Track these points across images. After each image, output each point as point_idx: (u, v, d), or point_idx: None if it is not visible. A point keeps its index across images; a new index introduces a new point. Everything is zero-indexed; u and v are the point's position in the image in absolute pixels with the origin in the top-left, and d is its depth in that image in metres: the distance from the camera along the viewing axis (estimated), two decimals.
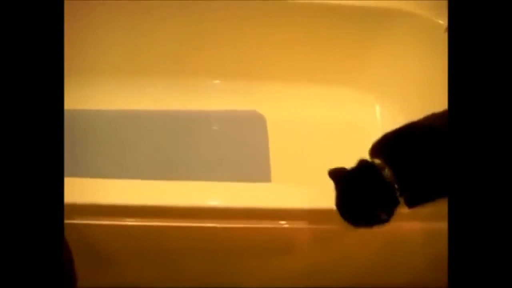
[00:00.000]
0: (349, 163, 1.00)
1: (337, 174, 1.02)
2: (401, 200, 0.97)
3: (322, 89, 1.74)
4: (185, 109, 1.71)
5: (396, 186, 0.96)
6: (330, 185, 1.01)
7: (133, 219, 1.10)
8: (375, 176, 0.97)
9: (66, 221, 0.94)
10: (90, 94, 1.66)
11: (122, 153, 1.59)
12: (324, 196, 1.02)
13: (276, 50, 1.69)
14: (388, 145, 1.02)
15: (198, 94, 1.74)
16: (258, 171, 1.55)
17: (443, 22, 1.47)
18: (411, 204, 0.98)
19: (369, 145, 1.02)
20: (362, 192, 0.98)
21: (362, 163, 1.00)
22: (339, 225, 1.01)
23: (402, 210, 0.98)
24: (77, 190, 1.05)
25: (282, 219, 1.13)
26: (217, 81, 1.76)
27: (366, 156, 1.01)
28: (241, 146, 1.64)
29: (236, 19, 1.61)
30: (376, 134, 1.04)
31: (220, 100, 1.73)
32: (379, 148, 1.02)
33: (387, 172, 0.96)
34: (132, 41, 1.65)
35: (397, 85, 1.68)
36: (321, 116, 1.72)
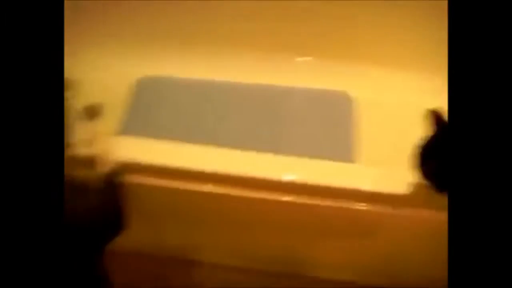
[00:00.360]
0: None
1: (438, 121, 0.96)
2: None
3: (414, 75, 1.65)
4: (272, 83, 1.69)
5: None
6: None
7: (208, 185, 1.11)
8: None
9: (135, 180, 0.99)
10: (180, 61, 1.71)
11: (203, 121, 1.61)
12: (405, 181, 0.99)
13: (370, 32, 1.63)
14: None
15: (287, 70, 1.72)
16: (340, 151, 1.51)
17: None
18: None
19: None
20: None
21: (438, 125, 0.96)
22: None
23: None
24: (150, 151, 1.10)
25: (362, 201, 1.09)
26: (309, 58, 1.72)
27: None
28: (326, 125, 1.60)
29: None
30: None
31: (309, 78, 1.69)
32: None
33: None
34: (224, 12, 1.66)
35: None
36: (409, 102, 1.64)
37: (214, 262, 1.49)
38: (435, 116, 0.97)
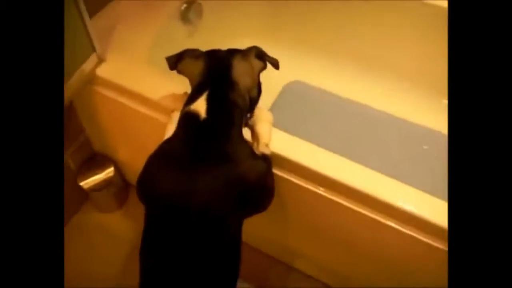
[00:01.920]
0: None
1: None
2: None
3: None
4: (400, 116, 1.74)
5: None
6: None
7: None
8: None
9: None
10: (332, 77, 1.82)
11: (334, 137, 1.70)
12: None
13: None
14: None
15: (425, 111, 1.75)
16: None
17: None
18: None
19: None
20: None
21: None
22: None
23: None
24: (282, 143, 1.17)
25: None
26: (445, 101, 1.74)
27: None
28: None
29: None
30: None
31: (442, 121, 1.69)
32: None
33: None
34: (373, 35, 1.75)
35: None
36: None
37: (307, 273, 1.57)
38: None
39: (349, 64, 1.82)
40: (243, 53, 1.11)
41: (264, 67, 1.13)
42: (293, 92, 1.83)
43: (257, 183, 1.04)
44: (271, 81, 1.72)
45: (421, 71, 1.74)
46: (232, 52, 1.11)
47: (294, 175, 1.19)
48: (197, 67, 1.08)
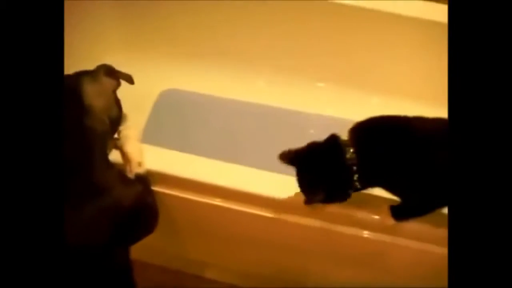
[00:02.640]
0: None
1: (294, 155, 1.00)
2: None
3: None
4: (285, 107, 1.75)
5: (355, 168, 0.95)
6: None
7: (216, 199, 1.16)
8: (336, 154, 0.96)
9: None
10: (205, 78, 1.78)
11: (217, 137, 1.68)
12: None
13: (386, 63, 1.67)
14: (364, 129, 1.00)
15: (302, 95, 1.77)
16: None
17: None
18: (362, 183, 0.97)
19: None
20: (318, 166, 0.98)
21: (330, 138, 0.99)
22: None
23: None
24: (163, 160, 1.14)
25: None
26: (322, 84, 1.78)
27: None
28: None
29: (348, 24, 1.62)
30: None
31: (322, 104, 1.74)
32: (356, 128, 1.00)
33: (351, 153, 0.95)
34: (243, 32, 1.74)
35: None
36: None
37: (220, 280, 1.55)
38: (285, 158, 1.01)
39: (223, 64, 1.80)
40: (92, 74, 1.06)
41: (118, 84, 1.09)
42: (168, 102, 1.78)
43: (134, 207, 1.00)
44: (144, 92, 1.67)
45: (296, 61, 1.75)
46: (79, 75, 1.05)
47: (177, 189, 1.16)
48: None
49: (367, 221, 1.09)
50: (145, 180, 1.08)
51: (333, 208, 1.07)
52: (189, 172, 1.13)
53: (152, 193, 1.09)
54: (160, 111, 1.74)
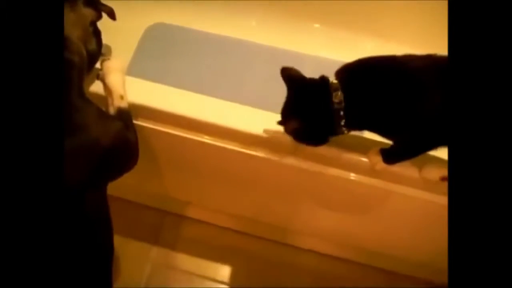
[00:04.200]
0: None
1: (292, 78, 0.99)
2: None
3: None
4: (278, 46, 1.70)
5: (342, 113, 0.93)
6: None
7: (204, 136, 1.12)
8: (323, 97, 0.94)
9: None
10: (198, 16, 1.72)
11: (205, 73, 1.63)
12: None
13: (384, 8, 1.63)
14: (352, 70, 0.97)
15: (296, 35, 1.72)
16: None
17: None
18: (349, 127, 0.96)
19: None
20: (304, 102, 0.97)
21: (320, 79, 0.97)
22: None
23: None
24: (144, 92, 1.10)
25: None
26: (317, 25, 1.73)
27: None
28: None
29: None
30: None
31: (317, 46, 1.70)
32: (343, 70, 0.98)
33: (339, 95, 0.93)
34: None
35: None
36: None
37: (203, 220, 1.54)
38: (285, 74, 1.00)
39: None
40: (71, 3, 0.99)
41: (99, 17, 1.04)
42: (156, 36, 1.71)
43: (114, 144, 0.95)
44: (130, 26, 1.61)
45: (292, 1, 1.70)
46: None
47: (161, 124, 1.12)
48: None
49: (356, 164, 1.07)
50: (126, 114, 1.04)
51: (322, 150, 1.04)
52: (173, 106, 1.09)
53: (133, 128, 1.04)
54: (146, 46, 1.68)
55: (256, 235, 1.52)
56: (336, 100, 0.93)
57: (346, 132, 0.97)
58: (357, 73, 0.96)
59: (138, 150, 1.04)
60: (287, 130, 0.99)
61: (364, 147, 1.04)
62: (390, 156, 0.99)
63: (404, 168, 1.03)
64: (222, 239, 1.53)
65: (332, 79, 0.97)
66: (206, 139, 1.12)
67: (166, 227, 1.55)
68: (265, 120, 1.08)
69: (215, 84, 1.60)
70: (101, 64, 1.08)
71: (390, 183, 1.09)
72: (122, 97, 1.04)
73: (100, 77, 1.07)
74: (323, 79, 0.97)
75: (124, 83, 1.07)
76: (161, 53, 1.67)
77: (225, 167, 1.21)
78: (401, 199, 1.12)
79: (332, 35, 1.71)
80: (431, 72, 0.89)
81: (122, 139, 0.99)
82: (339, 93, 0.93)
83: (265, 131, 1.06)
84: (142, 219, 1.55)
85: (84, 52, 0.99)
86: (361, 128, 0.99)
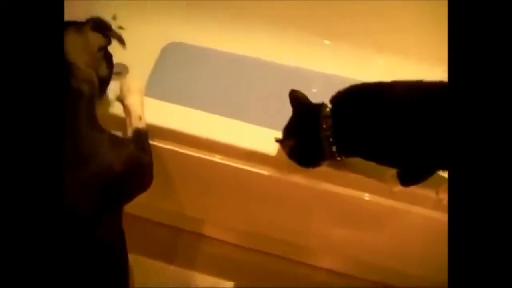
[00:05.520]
0: None
1: (297, 100, 1.03)
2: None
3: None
4: (289, 64, 1.72)
5: (331, 139, 0.95)
6: None
7: (216, 156, 1.14)
8: (315, 120, 0.97)
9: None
10: (213, 34, 1.75)
11: (220, 92, 1.66)
12: None
13: (393, 23, 1.63)
14: (342, 99, 0.99)
15: (306, 51, 1.73)
16: None
17: None
18: (340, 153, 0.98)
19: None
20: (300, 128, 1.00)
21: (318, 104, 1.00)
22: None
23: None
24: (160, 113, 1.12)
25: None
26: (328, 42, 1.74)
27: None
28: None
29: None
30: None
31: (326, 62, 1.71)
32: (335, 97, 0.99)
33: (328, 121, 0.96)
34: None
35: None
36: None
37: (218, 238, 1.55)
38: (292, 96, 1.03)
39: (231, 18, 1.75)
40: (77, 27, 0.98)
41: (108, 42, 1.02)
42: (173, 55, 1.73)
43: (127, 168, 0.95)
44: (147, 44, 1.65)
45: (303, 18, 1.71)
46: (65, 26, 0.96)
47: (176, 144, 1.14)
48: None
49: (371, 184, 1.08)
50: (143, 135, 1.05)
51: (334, 170, 1.06)
52: (189, 126, 1.11)
53: (148, 149, 1.05)
54: (163, 65, 1.70)
55: (271, 253, 1.53)
56: (324, 126, 0.96)
57: (339, 158, 0.99)
58: (347, 101, 0.98)
59: (152, 172, 1.05)
60: (283, 148, 1.03)
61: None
62: (406, 179, 1.00)
63: (419, 189, 1.04)
64: (237, 256, 1.54)
65: None
66: (218, 158, 1.14)
67: (182, 245, 1.56)
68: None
69: (230, 102, 1.62)
70: (120, 85, 1.10)
71: (406, 203, 1.09)
72: (140, 118, 1.06)
73: (119, 98, 1.09)
74: (320, 106, 1.00)
75: (143, 104, 1.09)
76: (177, 71, 1.70)
77: (238, 186, 1.23)
78: (417, 219, 1.12)
79: (343, 51, 1.71)
80: (417, 96, 0.91)
81: (135, 163, 0.99)
82: (329, 120, 0.96)
83: (279, 150, 1.08)
84: (158, 236, 1.55)
85: (95, 79, 0.98)
86: (354, 155, 1.01)
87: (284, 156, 1.05)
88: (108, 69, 1.04)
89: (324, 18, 1.68)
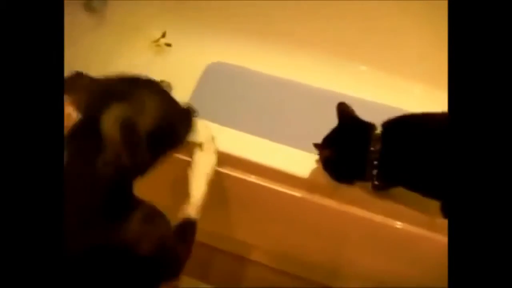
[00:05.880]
0: None
1: (344, 113, 1.02)
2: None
3: None
4: (326, 87, 1.74)
5: (375, 163, 0.94)
6: None
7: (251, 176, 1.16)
8: (364, 139, 0.96)
9: None
10: (254, 55, 1.79)
11: (260, 113, 1.69)
12: None
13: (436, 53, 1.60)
14: (392, 126, 0.98)
15: (343, 76, 1.75)
16: None
17: None
18: (380, 179, 0.97)
19: None
20: (343, 141, 1.00)
21: (368, 124, 0.99)
22: None
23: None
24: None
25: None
26: (364, 68, 1.76)
27: None
28: None
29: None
30: None
31: (362, 88, 1.72)
32: (388, 122, 0.99)
33: (378, 145, 0.95)
34: (293, 13, 1.73)
35: None
36: None
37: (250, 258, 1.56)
38: (340, 108, 1.02)
39: (273, 41, 1.79)
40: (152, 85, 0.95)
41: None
42: (216, 74, 1.77)
43: (154, 252, 0.86)
44: (191, 64, 1.69)
45: (339, 42, 1.75)
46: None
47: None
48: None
49: (405, 213, 1.08)
50: (191, 227, 0.98)
51: (373, 198, 1.07)
52: (225, 145, 1.12)
53: (190, 242, 0.98)
54: (205, 83, 1.74)
55: (303, 277, 1.52)
56: (373, 148, 0.96)
57: (376, 183, 0.99)
58: (399, 129, 0.99)
59: (182, 265, 0.96)
60: (320, 156, 1.03)
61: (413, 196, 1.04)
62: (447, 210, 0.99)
63: None
64: (268, 278, 1.54)
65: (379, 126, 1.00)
66: (253, 178, 1.15)
67: (214, 263, 1.56)
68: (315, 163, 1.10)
69: (267, 123, 1.65)
70: (193, 160, 1.06)
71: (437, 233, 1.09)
72: (197, 209, 1.00)
73: (189, 173, 1.05)
74: (370, 126, 1.00)
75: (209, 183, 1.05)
76: (219, 91, 1.74)
77: (272, 207, 1.24)
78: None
79: (379, 78, 1.73)
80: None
81: (164, 247, 0.89)
82: (379, 143, 0.96)
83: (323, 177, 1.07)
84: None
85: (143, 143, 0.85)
86: (394, 183, 1.00)
87: (325, 181, 1.06)
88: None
89: (362, 44, 1.71)
